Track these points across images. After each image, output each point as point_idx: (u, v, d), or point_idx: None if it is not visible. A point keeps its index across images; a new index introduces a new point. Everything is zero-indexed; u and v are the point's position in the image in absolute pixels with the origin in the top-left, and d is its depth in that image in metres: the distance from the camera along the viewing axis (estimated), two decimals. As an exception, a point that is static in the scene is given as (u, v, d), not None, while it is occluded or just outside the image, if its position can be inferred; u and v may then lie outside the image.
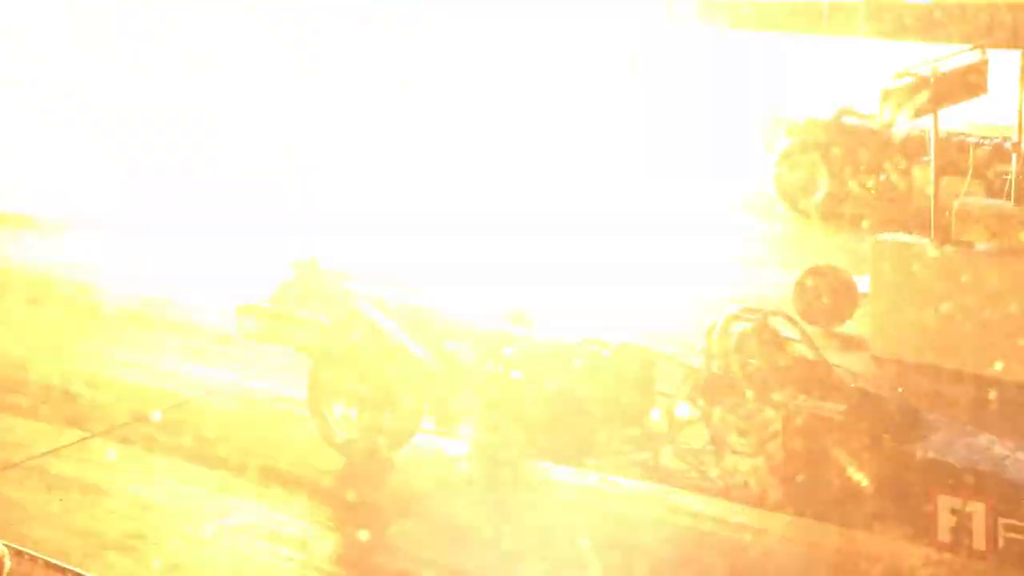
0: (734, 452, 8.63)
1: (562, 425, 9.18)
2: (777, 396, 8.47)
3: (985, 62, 12.77)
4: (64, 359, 12.02)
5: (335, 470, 9.87)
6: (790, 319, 8.98)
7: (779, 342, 8.69)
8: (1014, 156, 12.83)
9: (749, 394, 8.53)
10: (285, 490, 9.68)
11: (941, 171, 12.60)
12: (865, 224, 15.05)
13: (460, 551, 8.88)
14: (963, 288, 11.52)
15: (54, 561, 8.09)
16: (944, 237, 11.76)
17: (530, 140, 18.78)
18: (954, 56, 12.46)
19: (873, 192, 16.27)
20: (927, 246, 11.76)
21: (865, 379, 8.91)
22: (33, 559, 8.11)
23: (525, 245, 14.64)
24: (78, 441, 10.48)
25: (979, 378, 10.71)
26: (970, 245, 11.82)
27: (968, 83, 12.53)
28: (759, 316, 8.77)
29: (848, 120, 16.61)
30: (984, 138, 15.21)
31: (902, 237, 12.02)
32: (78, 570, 8.11)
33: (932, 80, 11.82)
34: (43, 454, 10.30)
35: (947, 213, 11.85)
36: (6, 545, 7.54)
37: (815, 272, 12.42)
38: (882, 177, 16.14)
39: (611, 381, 9.07)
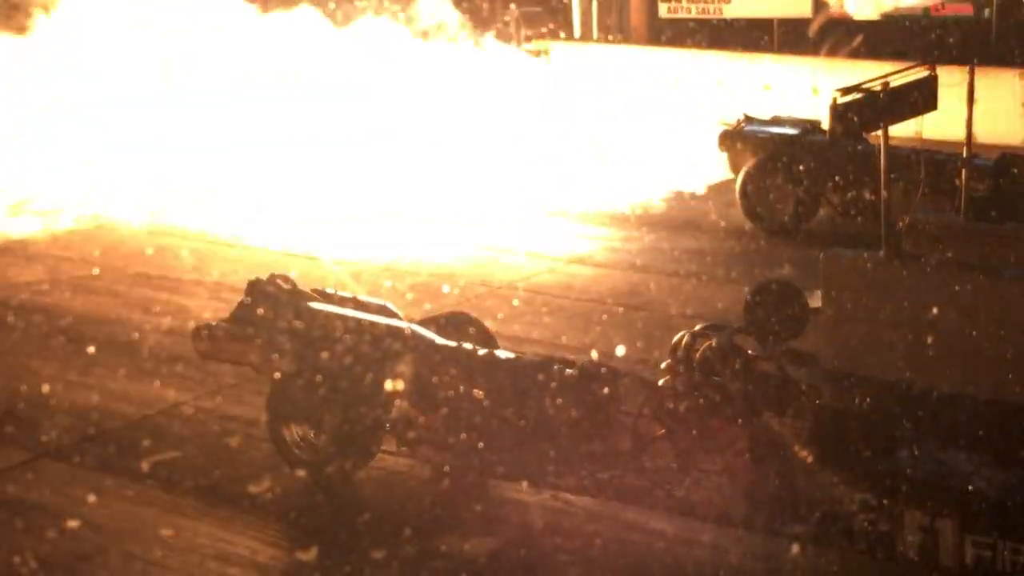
0: (699, 470, 8.59)
1: (523, 443, 9.12)
2: (742, 414, 8.43)
3: (935, 79, 12.85)
4: (8, 378, 11.87)
5: (286, 489, 9.77)
6: (755, 336, 8.91)
7: (744, 359, 8.63)
8: (963, 172, 12.95)
9: (713, 412, 8.49)
10: (235, 509, 9.57)
11: (912, 188, 12.66)
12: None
13: (411, 568, 8.79)
14: (913, 302, 11.54)
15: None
16: (894, 251, 11.79)
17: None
18: (903, 72, 12.52)
19: (841, 209, 16.27)
20: (877, 260, 11.78)
21: (830, 396, 8.86)
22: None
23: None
24: (23, 462, 10.34)
25: (933, 392, 10.71)
26: (919, 259, 11.86)
27: (918, 99, 12.60)
28: (724, 333, 8.73)
29: (815, 137, 16.62)
30: (954, 155, 15.20)
31: (852, 252, 12.04)
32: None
33: (882, 96, 11.86)
34: (-10, 474, 10.18)
35: (898, 227, 11.89)
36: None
37: (764, 287, 12.38)
38: (850, 194, 16.12)
39: (574, 400, 9.01)
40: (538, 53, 25.42)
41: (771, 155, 16.68)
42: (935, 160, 15.29)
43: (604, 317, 13.49)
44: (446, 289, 14.34)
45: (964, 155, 13.31)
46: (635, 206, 17.94)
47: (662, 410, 8.74)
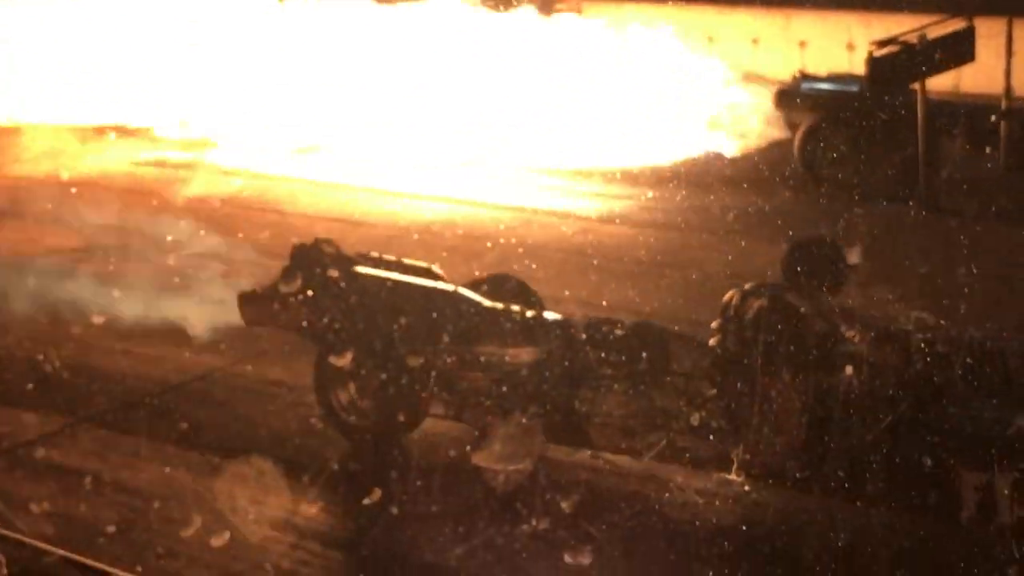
0: (752, 430, 8.42)
1: (575, 406, 9.03)
2: (795, 372, 8.25)
3: (972, 30, 12.72)
4: (46, 345, 11.90)
5: (325, 452, 9.77)
6: (807, 293, 8.69)
7: (796, 317, 8.42)
8: (1002, 124, 12.82)
9: (767, 371, 8.31)
10: (274, 473, 9.56)
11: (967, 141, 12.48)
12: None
13: (450, 539, 8.76)
14: (952, 254, 11.47)
15: (53, 550, 8.05)
16: (933, 205, 11.73)
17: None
18: (940, 24, 12.43)
19: (902, 165, 15.84)
20: (917, 214, 11.71)
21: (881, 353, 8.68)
22: (34, 549, 8.07)
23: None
24: (63, 427, 10.37)
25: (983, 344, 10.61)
26: (959, 212, 11.78)
27: (955, 51, 12.50)
28: (775, 291, 8.55)
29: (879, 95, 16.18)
30: (1013, 108, 14.82)
31: (892, 206, 11.97)
32: (77, 557, 8.07)
33: (919, 48, 11.78)
34: (29, 442, 10.19)
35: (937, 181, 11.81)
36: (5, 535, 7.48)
37: (803, 244, 12.26)
38: (909, 150, 15.64)
39: (625, 361, 8.89)
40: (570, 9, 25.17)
41: (832, 112, 16.30)
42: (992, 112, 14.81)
43: (642, 276, 13.42)
44: (481, 249, 14.28)
45: (1003, 107, 13.19)
46: (675, 164, 17.75)
47: (714, 370, 8.60)
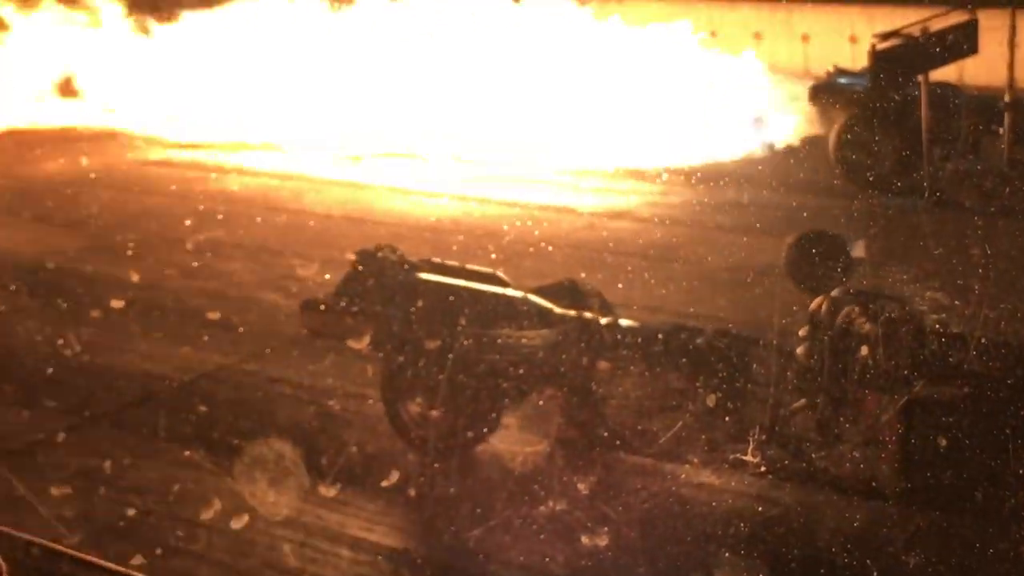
0: (843, 441, 8.18)
1: (652, 416, 8.91)
2: (890, 381, 7.96)
3: (975, 22, 12.73)
4: (51, 345, 11.91)
5: (332, 451, 9.77)
6: (899, 300, 8.35)
7: (887, 324, 8.04)
8: (1006, 116, 12.81)
9: (859, 380, 8.05)
10: (282, 472, 9.56)
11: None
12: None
13: (467, 520, 8.72)
14: (956, 250, 11.47)
15: (61, 548, 8.03)
16: (938, 199, 11.73)
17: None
18: (942, 16, 12.42)
19: (940, 162, 15.59)
20: (921, 208, 11.71)
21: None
22: (41, 548, 8.06)
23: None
24: (68, 427, 10.37)
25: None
26: (962, 207, 11.78)
27: (959, 43, 12.49)
28: (865, 298, 8.27)
29: (913, 90, 16.06)
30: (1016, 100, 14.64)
31: (896, 199, 11.98)
32: (83, 556, 8.05)
33: (922, 41, 11.77)
34: (37, 441, 10.20)
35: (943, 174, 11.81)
36: (10, 533, 7.47)
37: (806, 238, 12.23)
38: (950, 145, 15.29)
39: (705, 369, 8.72)
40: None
41: (871, 108, 16.02)
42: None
43: (648, 270, 13.40)
44: (490, 246, 14.26)
45: (1007, 100, 13.18)
46: (704, 163, 17.62)
47: (802, 380, 8.35)
